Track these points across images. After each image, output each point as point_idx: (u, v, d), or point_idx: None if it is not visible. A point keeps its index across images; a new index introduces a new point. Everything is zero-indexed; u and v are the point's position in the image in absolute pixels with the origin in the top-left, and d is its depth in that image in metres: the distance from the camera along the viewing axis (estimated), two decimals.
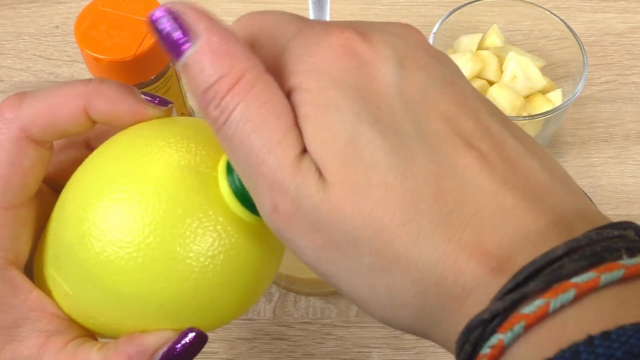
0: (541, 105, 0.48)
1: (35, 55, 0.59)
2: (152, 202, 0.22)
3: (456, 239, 0.18)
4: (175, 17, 0.19)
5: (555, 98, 0.49)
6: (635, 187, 0.51)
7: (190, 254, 0.22)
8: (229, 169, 0.23)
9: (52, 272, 0.25)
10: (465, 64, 0.49)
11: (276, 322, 0.46)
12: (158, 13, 0.19)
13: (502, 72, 0.50)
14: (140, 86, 0.42)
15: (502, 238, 0.18)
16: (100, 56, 0.39)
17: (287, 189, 0.19)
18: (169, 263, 0.22)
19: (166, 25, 0.19)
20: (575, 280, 0.16)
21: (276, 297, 0.47)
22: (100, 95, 0.24)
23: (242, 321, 0.46)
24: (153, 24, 0.19)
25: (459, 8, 0.50)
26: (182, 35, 0.19)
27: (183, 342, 0.23)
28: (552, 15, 0.50)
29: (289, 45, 0.20)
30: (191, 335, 0.23)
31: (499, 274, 0.17)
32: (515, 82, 0.49)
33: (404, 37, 0.20)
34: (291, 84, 0.20)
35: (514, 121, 0.21)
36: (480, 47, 0.52)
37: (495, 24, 0.52)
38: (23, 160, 0.24)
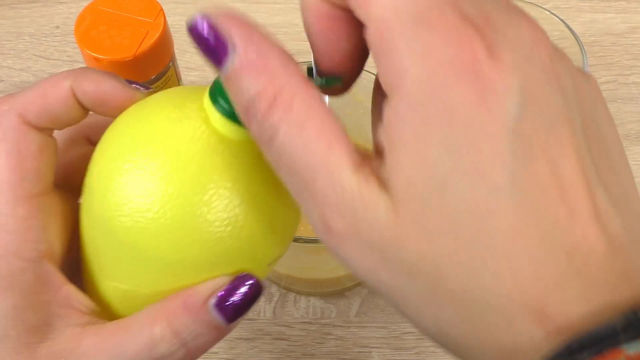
0: None
1: (35, 55, 0.59)
2: (158, 158, 0.22)
3: (517, 296, 0.17)
4: (212, 26, 0.19)
5: None
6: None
7: (212, 186, 0.22)
8: (214, 99, 0.22)
9: (105, 283, 0.25)
10: None
11: (276, 322, 0.46)
12: (194, 22, 0.19)
13: None
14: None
15: (564, 302, 0.17)
16: (100, 56, 0.39)
17: (342, 210, 0.18)
18: (201, 208, 0.22)
19: (203, 35, 0.19)
20: (627, 349, 0.16)
21: (276, 297, 0.47)
22: (84, 76, 0.25)
23: (242, 321, 0.46)
24: (191, 33, 0.19)
25: None
26: (219, 47, 0.18)
27: (238, 285, 0.23)
28: (552, 15, 0.50)
29: (405, 23, 0.17)
30: (245, 279, 0.23)
31: (555, 337, 0.17)
32: None
33: (533, 54, 0.18)
34: (391, 82, 0.18)
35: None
36: None
37: None
38: (29, 145, 0.24)
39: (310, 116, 0.18)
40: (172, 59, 0.44)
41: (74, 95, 0.25)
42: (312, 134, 0.18)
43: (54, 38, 0.60)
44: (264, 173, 0.23)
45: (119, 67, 0.40)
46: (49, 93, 0.24)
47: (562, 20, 0.49)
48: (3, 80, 0.58)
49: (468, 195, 0.17)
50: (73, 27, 0.41)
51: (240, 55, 0.18)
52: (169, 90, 0.25)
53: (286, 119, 0.18)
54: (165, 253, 0.22)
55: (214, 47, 0.18)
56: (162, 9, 0.42)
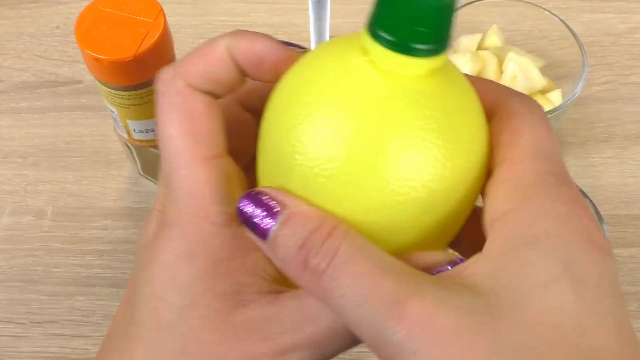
0: None
1: (35, 56, 0.59)
2: (333, 112, 0.20)
3: None
4: (258, 198, 0.21)
5: (555, 98, 0.49)
6: (635, 187, 0.51)
7: (400, 135, 0.20)
8: (375, 35, 0.20)
9: None
10: (465, 64, 0.49)
11: None
12: (241, 203, 0.21)
13: (502, 72, 0.50)
14: (141, 86, 0.42)
15: None
16: (100, 56, 0.39)
17: (424, 296, 0.18)
18: (394, 155, 0.20)
19: (250, 210, 0.21)
20: None
21: None
22: (239, 35, 0.24)
23: None
24: (241, 213, 0.21)
25: (459, 8, 0.50)
26: (269, 209, 0.21)
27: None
28: (552, 16, 0.50)
29: (542, 178, 0.21)
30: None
31: None
32: (515, 82, 0.49)
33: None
34: (507, 208, 0.20)
35: None
36: (480, 47, 0.52)
37: (495, 24, 0.52)
38: (197, 107, 0.23)
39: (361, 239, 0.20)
40: (172, 59, 0.44)
41: (230, 55, 0.24)
42: (374, 248, 0.20)
43: (54, 38, 0.60)
44: (450, 103, 0.21)
45: (119, 67, 0.40)
46: (207, 54, 0.24)
47: (562, 20, 0.49)
48: (3, 81, 0.58)
49: (575, 304, 0.19)
50: (73, 27, 0.41)
51: (292, 207, 0.21)
52: (325, 43, 0.23)
53: (347, 239, 0.20)
54: (360, 212, 0.20)
55: (264, 212, 0.21)
56: (162, 9, 0.42)
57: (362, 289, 0.19)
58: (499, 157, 0.21)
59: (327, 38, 0.40)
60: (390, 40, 0.20)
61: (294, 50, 0.24)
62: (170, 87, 0.23)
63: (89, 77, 0.57)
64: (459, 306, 0.18)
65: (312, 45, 0.39)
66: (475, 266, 0.20)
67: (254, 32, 0.24)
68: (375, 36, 0.20)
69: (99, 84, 0.42)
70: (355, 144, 0.20)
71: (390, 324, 0.18)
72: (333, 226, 0.20)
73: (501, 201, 0.21)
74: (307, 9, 0.39)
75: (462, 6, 0.50)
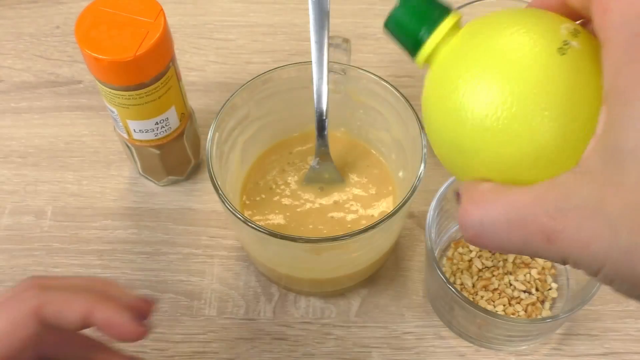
0: None
1: (35, 56, 0.59)
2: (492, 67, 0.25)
3: None
4: (456, 194, 0.26)
5: None
6: None
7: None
8: (421, 39, 0.29)
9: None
10: None
11: (276, 322, 0.46)
12: (456, 193, 0.26)
13: None
14: (140, 86, 0.42)
15: None
16: (100, 56, 0.39)
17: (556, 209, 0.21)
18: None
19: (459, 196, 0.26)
20: None
21: (276, 297, 0.47)
22: (101, 307, 0.30)
23: (242, 321, 0.46)
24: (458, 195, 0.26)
25: (459, 8, 0.50)
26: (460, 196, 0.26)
27: None
28: None
29: None
30: None
31: None
32: None
33: None
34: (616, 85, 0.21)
35: None
36: None
37: None
38: (24, 329, 0.29)
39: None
40: (172, 59, 0.44)
41: (88, 318, 0.30)
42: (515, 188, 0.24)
43: (54, 38, 0.60)
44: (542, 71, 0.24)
45: (119, 67, 0.40)
46: (69, 304, 0.30)
47: None
48: (3, 81, 0.58)
49: None
50: (73, 27, 0.41)
51: (461, 191, 0.26)
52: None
53: (488, 204, 0.24)
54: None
55: (460, 198, 0.26)
56: (162, 9, 0.42)
57: (516, 242, 0.23)
58: (599, 41, 0.22)
59: (327, 38, 0.40)
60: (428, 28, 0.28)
61: (138, 328, 0.30)
62: (24, 303, 0.29)
63: (89, 77, 0.57)
64: (578, 206, 0.21)
65: (312, 45, 0.39)
66: (589, 148, 0.21)
67: (115, 308, 0.30)
68: (422, 39, 0.28)
69: (99, 84, 0.42)
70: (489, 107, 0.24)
71: (546, 252, 0.22)
72: (473, 196, 0.24)
73: (605, 85, 0.22)
74: (307, 9, 0.39)
75: (461, 6, 0.50)
